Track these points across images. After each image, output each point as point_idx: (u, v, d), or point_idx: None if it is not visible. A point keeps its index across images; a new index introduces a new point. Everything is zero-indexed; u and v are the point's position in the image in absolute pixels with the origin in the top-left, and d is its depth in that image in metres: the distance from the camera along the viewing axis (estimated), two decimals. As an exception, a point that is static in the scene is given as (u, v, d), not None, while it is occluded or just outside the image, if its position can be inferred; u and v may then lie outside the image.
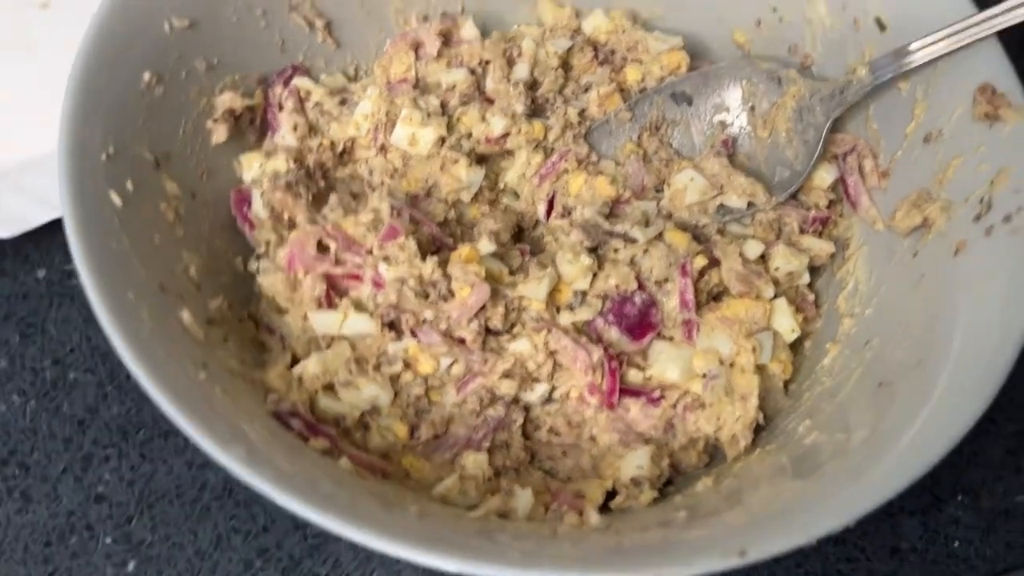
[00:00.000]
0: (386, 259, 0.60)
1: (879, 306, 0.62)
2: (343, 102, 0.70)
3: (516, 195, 0.71)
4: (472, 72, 0.71)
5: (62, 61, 0.57)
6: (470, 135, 0.70)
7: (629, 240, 0.65)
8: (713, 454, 0.63)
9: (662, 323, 0.63)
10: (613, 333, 0.62)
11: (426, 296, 0.60)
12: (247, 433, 0.49)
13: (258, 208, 0.64)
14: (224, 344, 0.57)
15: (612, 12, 0.75)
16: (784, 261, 0.66)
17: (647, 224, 0.66)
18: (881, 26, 0.65)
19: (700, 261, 0.64)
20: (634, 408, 0.62)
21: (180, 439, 0.67)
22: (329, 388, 0.59)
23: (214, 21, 0.64)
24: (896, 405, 0.53)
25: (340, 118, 0.70)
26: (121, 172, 0.56)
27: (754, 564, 0.44)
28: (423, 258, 0.60)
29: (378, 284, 0.60)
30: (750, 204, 0.68)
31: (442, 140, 0.68)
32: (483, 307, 0.60)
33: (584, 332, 0.63)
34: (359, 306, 0.61)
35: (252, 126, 0.69)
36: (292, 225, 0.64)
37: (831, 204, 0.70)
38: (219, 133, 0.65)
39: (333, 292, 0.61)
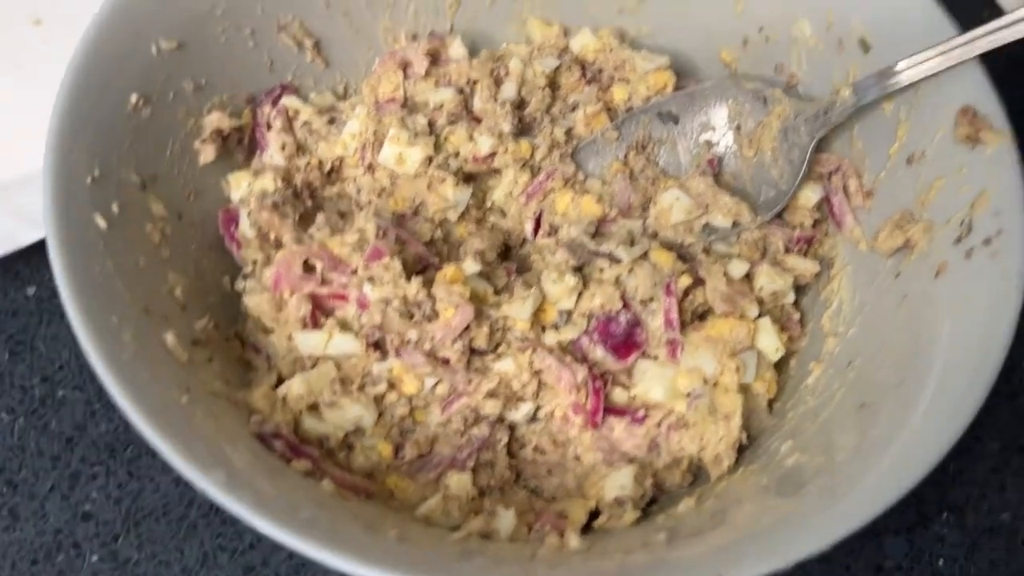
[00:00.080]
0: (371, 279, 0.60)
1: (862, 326, 0.63)
2: (331, 121, 0.71)
3: (503, 214, 0.71)
4: (460, 91, 0.72)
5: (54, 78, 0.57)
6: (457, 154, 0.70)
7: (614, 260, 0.65)
8: (697, 474, 0.63)
9: (647, 342, 0.64)
10: (598, 352, 0.63)
11: (411, 316, 0.60)
12: (228, 455, 0.49)
13: (245, 228, 0.64)
14: (209, 365, 0.58)
15: (600, 31, 0.75)
16: (769, 280, 0.66)
17: (632, 243, 0.67)
18: (865, 47, 0.65)
19: (685, 280, 0.64)
20: (618, 427, 0.62)
21: (167, 457, 0.67)
22: (314, 408, 0.60)
23: (202, 42, 0.65)
24: (879, 425, 0.54)
25: (328, 137, 0.70)
26: (106, 195, 0.56)
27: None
28: (408, 278, 0.60)
29: (363, 304, 0.60)
30: (735, 223, 0.69)
31: (429, 159, 0.68)
32: (467, 327, 0.60)
33: (569, 351, 0.63)
34: (344, 326, 0.61)
35: (240, 145, 0.69)
36: (279, 245, 0.64)
37: (816, 223, 0.70)
38: (207, 153, 0.66)
39: (319, 312, 0.62)
